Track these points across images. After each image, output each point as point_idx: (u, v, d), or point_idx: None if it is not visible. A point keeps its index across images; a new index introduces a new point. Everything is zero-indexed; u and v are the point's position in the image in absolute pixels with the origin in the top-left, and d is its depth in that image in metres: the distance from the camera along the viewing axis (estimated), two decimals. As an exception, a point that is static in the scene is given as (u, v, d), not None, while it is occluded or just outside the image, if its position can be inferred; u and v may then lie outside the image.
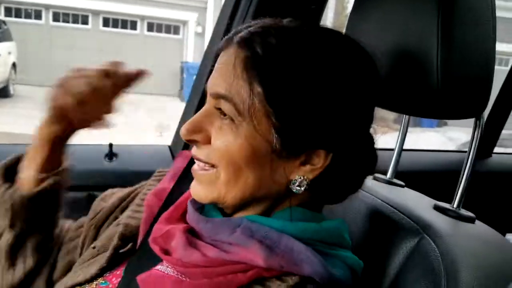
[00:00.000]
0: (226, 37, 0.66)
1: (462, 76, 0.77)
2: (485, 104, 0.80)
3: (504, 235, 1.43)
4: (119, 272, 0.73)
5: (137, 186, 0.88)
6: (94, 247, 0.79)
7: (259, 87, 0.60)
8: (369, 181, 1.01)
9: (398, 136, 1.05)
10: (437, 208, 0.86)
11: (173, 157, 1.43)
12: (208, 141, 0.64)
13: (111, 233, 0.79)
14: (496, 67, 0.80)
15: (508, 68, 1.80)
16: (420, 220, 0.79)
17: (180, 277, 0.63)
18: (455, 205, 0.84)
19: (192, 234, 0.67)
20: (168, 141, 1.49)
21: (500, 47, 0.80)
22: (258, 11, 1.23)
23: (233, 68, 0.61)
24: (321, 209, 0.72)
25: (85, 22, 12.62)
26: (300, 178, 0.63)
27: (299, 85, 0.60)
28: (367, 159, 0.70)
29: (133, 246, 0.76)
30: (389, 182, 1.02)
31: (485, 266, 0.69)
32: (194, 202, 0.70)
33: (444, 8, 0.75)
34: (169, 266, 0.65)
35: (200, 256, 0.62)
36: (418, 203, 0.88)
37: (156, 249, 0.67)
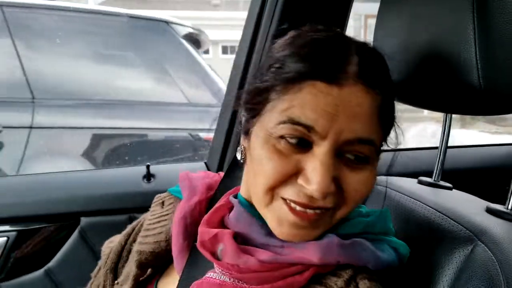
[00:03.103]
0: (328, 67, 0.59)
1: (504, 69, 0.72)
2: None
3: None
4: None
5: (140, 218, 0.88)
6: (117, 283, 0.79)
7: (385, 128, 0.64)
8: (414, 185, 0.96)
9: (442, 135, 0.99)
10: (490, 211, 0.80)
11: (210, 172, 1.42)
12: (336, 186, 0.60)
13: (130, 265, 0.79)
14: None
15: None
16: (473, 225, 0.74)
17: (238, 283, 0.62)
18: (509, 207, 0.78)
19: (240, 239, 0.66)
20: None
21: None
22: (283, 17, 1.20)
23: (373, 111, 0.60)
24: None
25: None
26: None
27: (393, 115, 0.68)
28: None
29: (153, 271, 0.77)
30: (435, 185, 0.96)
31: None
32: (240, 203, 0.69)
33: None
34: (222, 272, 0.63)
35: (255, 261, 0.61)
36: (469, 207, 0.83)
37: (206, 254, 0.65)
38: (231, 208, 0.70)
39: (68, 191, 1.29)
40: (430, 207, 0.83)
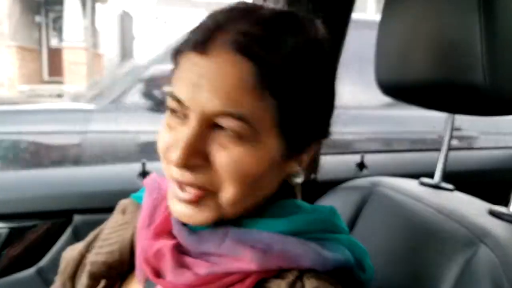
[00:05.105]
0: (198, 37, 0.57)
1: (510, 69, 0.72)
2: None
3: None
4: None
5: (102, 225, 0.83)
6: None
7: (271, 99, 0.56)
8: (416, 187, 0.95)
9: (444, 136, 0.98)
10: (492, 213, 0.79)
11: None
12: (207, 163, 0.57)
13: (83, 276, 0.75)
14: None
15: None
16: (476, 227, 0.73)
17: None
18: (512, 209, 0.77)
19: (181, 250, 0.63)
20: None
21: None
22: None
23: (240, 81, 0.54)
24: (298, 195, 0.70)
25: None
26: (299, 168, 0.64)
27: (306, 91, 0.59)
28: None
29: (107, 283, 0.73)
30: (437, 187, 0.96)
31: None
32: None
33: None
34: None
35: (191, 275, 0.59)
36: (472, 209, 0.82)
37: (148, 271, 0.63)
38: None
39: (62, 188, 1.28)
40: (432, 208, 0.82)
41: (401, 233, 0.83)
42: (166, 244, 0.63)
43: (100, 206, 1.24)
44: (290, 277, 0.57)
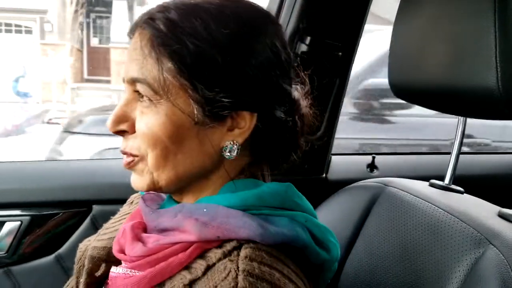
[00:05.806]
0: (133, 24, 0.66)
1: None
2: None
3: None
4: None
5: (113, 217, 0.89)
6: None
7: (169, 62, 0.61)
8: (426, 188, 0.96)
9: (455, 139, 0.99)
10: (502, 215, 0.80)
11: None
12: (134, 131, 0.64)
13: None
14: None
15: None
16: (485, 228, 0.74)
17: (129, 273, 0.63)
18: (522, 212, 0.78)
19: (142, 229, 0.68)
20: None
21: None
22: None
23: (141, 49, 0.62)
24: (265, 179, 0.71)
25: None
26: (230, 143, 0.64)
27: (207, 54, 0.61)
28: (294, 120, 0.69)
29: (107, 267, 0.75)
30: (447, 188, 0.97)
31: None
32: (151, 199, 0.72)
33: (501, 1, 0.70)
34: (125, 265, 0.65)
35: (142, 247, 0.63)
36: (481, 210, 0.83)
37: (115, 249, 0.68)
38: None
39: (82, 179, 1.30)
40: (442, 209, 0.83)
41: (410, 232, 0.84)
42: (128, 224, 0.69)
43: (118, 197, 1.27)
44: (228, 247, 0.60)
